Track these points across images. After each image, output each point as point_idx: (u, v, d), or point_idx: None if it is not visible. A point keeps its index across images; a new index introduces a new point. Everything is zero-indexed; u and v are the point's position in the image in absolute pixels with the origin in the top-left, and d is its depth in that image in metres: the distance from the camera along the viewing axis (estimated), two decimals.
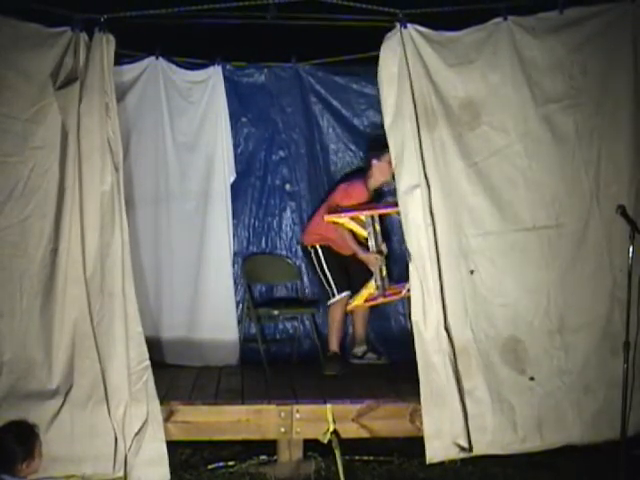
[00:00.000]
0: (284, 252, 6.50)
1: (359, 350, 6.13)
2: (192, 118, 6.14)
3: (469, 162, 4.75)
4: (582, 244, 4.80)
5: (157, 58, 6.00)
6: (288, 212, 6.51)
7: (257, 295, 6.48)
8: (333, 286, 5.89)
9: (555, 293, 4.77)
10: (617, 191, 4.77)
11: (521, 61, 4.77)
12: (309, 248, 6.03)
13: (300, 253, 6.49)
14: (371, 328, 6.36)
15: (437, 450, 4.58)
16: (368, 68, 5.41)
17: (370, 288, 5.90)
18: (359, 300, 5.93)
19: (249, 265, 6.31)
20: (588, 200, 4.81)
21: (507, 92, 4.77)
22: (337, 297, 5.89)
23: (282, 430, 4.75)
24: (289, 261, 6.46)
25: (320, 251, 5.95)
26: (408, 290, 4.97)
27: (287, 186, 6.49)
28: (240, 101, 6.30)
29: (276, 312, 6.05)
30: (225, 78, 6.18)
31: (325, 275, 5.92)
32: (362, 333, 6.17)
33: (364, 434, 4.80)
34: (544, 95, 4.78)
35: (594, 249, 4.80)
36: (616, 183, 4.80)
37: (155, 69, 6.01)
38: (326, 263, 5.92)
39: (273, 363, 5.97)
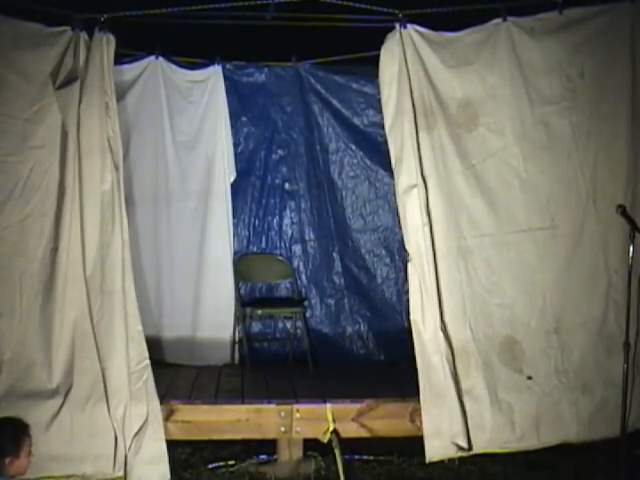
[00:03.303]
0: (284, 251, 6.52)
1: None
2: (192, 117, 6.15)
3: (467, 164, 4.76)
4: (577, 245, 4.81)
5: (157, 58, 6.02)
6: (288, 211, 6.53)
7: (257, 294, 6.49)
8: None
9: (551, 294, 4.78)
10: (613, 193, 4.78)
11: (519, 63, 4.77)
12: None
13: (299, 252, 6.51)
14: (369, 327, 6.38)
15: (436, 449, 4.58)
16: (367, 68, 5.44)
17: None
18: None
19: (242, 264, 6.32)
20: (584, 202, 4.82)
21: (504, 94, 4.78)
22: None
23: (282, 429, 4.75)
24: (282, 260, 6.46)
25: None
26: None
27: (287, 185, 6.51)
28: (240, 101, 6.31)
29: (259, 312, 6.06)
30: (225, 77, 6.20)
31: None
32: None
33: (364, 434, 4.80)
34: (541, 97, 4.79)
35: (589, 250, 4.81)
36: (612, 185, 4.81)
37: (155, 69, 6.02)
38: None
39: (271, 362, 5.99)
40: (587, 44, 4.79)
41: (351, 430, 4.77)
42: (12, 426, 3.72)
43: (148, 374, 4.54)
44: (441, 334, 4.62)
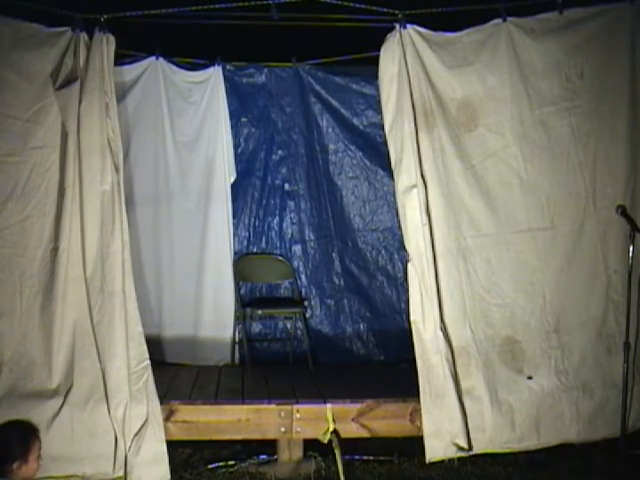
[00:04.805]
0: (284, 251, 6.52)
1: None
2: (192, 118, 6.16)
3: (467, 164, 4.77)
4: (577, 245, 4.81)
5: (157, 58, 6.02)
6: (288, 212, 6.53)
7: (257, 294, 6.50)
8: None
9: (551, 294, 4.79)
10: (613, 193, 4.79)
11: (519, 63, 4.78)
12: None
13: (299, 252, 6.51)
14: (369, 327, 6.38)
15: (436, 449, 4.59)
16: (367, 68, 5.44)
17: None
18: None
19: (242, 264, 6.33)
20: (583, 202, 4.83)
21: (504, 94, 4.79)
22: None
23: (282, 430, 4.75)
24: (282, 260, 6.47)
25: None
26: None
27: (287, 186, 6.51)
28: (240, 101, 6.31)
29: (259, 312, 6.07)
30: (225, 78, 6.20)
31: None
32: None
33: (364, 434, 4.81)
34: (541, 98, 4.80)
35: (589, 250, 4.82)
36: (612, 185, 4.82)
37: (155, 69, 6.02)
38: None
39: (271, 362, 6.00)
40: (587, 44, 4.80)
41: (351, 430, 4.77)
42: (21, 430, 3.67)
43: (148, 374, 4.54)
44: (441, 334, 4.62)
